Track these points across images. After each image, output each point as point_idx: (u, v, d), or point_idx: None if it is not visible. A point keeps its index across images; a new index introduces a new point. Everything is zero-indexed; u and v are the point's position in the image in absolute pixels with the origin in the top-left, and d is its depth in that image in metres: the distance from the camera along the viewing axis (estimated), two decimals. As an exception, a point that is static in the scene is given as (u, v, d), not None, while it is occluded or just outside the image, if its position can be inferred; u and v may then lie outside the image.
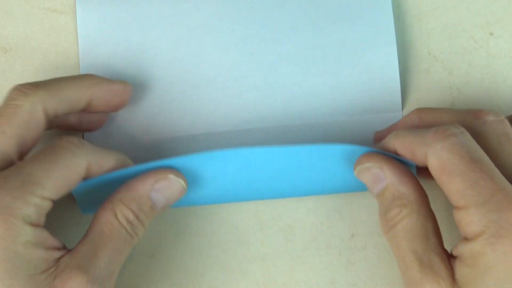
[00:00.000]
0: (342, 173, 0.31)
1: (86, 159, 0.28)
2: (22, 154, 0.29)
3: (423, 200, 0.28)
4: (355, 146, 0.30)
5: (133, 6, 0.34)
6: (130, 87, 0.33)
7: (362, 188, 0.31)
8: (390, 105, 0.34)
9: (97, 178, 0.29)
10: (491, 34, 0.36)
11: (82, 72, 0.34)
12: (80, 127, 0.33)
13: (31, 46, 0.35)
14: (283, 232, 0.34)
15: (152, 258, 0.33)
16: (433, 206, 0.28)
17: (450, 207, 0.27)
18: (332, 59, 0.35)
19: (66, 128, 0.33)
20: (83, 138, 0.34)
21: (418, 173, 0.31)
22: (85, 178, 0.29)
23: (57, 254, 0.27)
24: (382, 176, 0.29)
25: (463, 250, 0.26)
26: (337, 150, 0.30)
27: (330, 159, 0.31)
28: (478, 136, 0.29)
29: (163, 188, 0.30)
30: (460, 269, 0.26)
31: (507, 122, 0.30)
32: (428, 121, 0.31)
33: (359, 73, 0.34)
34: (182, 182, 0.30)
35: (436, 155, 0.27)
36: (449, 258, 0.27)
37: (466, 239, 0.26)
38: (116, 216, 0.28)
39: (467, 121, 0.30)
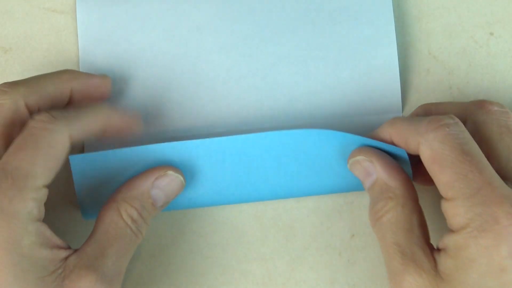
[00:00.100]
0: (338, 167, 0.32)
1: (66, 131, 0.27)
2: None
3: (410, 195, 0.29)
4: (349, 135, 0.31)
5: (133, 6, 0.34)
6: (109, 80, 0.32)
7: (359, 187, 0.31)
8: (390, 106, 0.34)
9: (95, 154, 0.30)
10: (491, 34, 0.36)
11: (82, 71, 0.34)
12: None
13: (31, 46, 0.35)
14: (283, 232, 0.34)
15: (152, 258, 0.33)
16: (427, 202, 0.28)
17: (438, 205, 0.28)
18: (332, 60, 0.35)
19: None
20: (83, 143, 0.34)
21: (414, 179, 0.32)
22: (73, 146, 0.29)
23: (63, 253, 0.27)
24: (373, 170, 0.30)
25: (447, 242, 0.26)
26: (332, 138, 0.31)
27: (326, 147, 0.31)
28: (480, 125, 0.29)
29: (163, 184, 0.30)
30: (444, 261, 0.26)
31: (510, 115, 0.30)
32: (433, 114, 0.31)
33: (359, 74, 0.34)
34: (181, 177, 0.31)
35: (428, 144, 0.27)
36: (433, 251, 0.27)
37: (451, 231, 0.26)
38: (121, 215, 0.28)
39: (471, 111, 0.30)
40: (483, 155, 0.26)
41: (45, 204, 0.27)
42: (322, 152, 0.32)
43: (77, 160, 0.30)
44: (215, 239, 0.34)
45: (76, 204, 0.33)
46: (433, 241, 0.28)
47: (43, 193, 0.27)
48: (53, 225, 0.28)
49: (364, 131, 0.33)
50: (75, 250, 0.27)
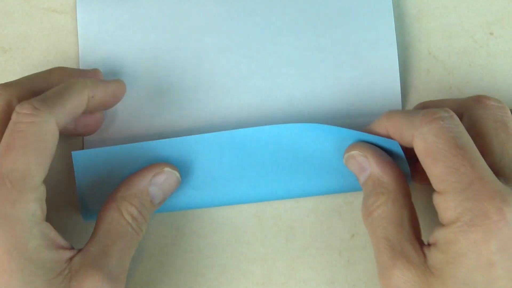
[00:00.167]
0: (335, 163, 0.32)
1: (52, 120, 0.27)
2: None
3: (402, 190, 0.29)
4: (345, 129, 0.31)
5: (133, 7, 0.34)
6: (99, 71, 0.32)
7: (356, 186, 0.31)
8: (391, 106, 0.34)
9: (97, 150, 0.30)
10: (491, 34, 0.36)
11: (82, 72, 0.34)
12: (76, 132, 0.32)
13: (31, 46, 0.35)
14: (283, 232, 0.34)
15: (152, 258, 0.33)
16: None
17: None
18: (332, 61, 0.35)
19: (62, 135, 0.32)
20: (82, 143, 0.34)
21: (412, 178, 0.32)
22: (60, 131, 0.28)
23: (68, 254, 0.27)
24: (367, 165, 0.30)
25: (438, 236, 0.26)
26: (328, 132, 0.32)
27: (323, 142, 0.32)
28: (476, 120, 0.29)
29: (161, 181, 0.30)
30: (434, 255, 0.26)
31: (507, 110, 0.30)
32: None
33: (359, 75, 0.34)
34: (177, 173, 0.31)
35: (422, 137, 0.27)
36: (423, 246, 0.27)
37: (441, 225, 0.26)
38: (122, 214, 0.29)
39: (468, 106, 0.30)
40: (476, 149, 0.26)
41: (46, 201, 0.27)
42: (319, 147, 0.32)
43: (79, 156, 0.30)
44: (215, 239, 0.34)
45: (75, 205, 0.33)
46: (425, 239, 0.28)
47: (42, 190, 0.27)
48: (53, 226, 0.28)
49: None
50: (79, 250, 0.28)
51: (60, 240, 0.27)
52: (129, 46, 0.34)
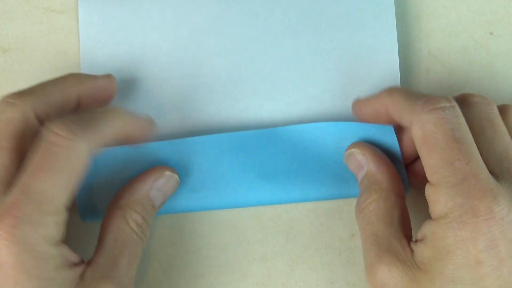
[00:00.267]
0: (336, 169, 0.32)
1: (86, 148, 0.26)
2: None
3: (395, 190, 0.29)
4: (341, 123, 0.32)
5: (135, 7, 0.34)
6: (115, 80, 0.32)
7: (354, 193, 0.31)
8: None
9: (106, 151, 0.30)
10: (491, 33, 0.36)
11: (82, 72, 0.34)
12: None
13: (31, 46, 0.35)
14: (283, 232, 0.34)
15: (152, 258, 0.33)
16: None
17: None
18: (332, 64, 0.34)
19: None
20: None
21: (410, 183, 0.32)
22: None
23: (80, 269, 0.27)
24: (365, 163, 0.30)
25: (426, 231, 0.26)
26: (326, 131, 0.32)
27: (321, 145, 0.32)
28: None
29: (161, 185, 0.31)
30: (421, 251, 0.26)
31: (494, 107, 0.29)
32: None
33: (360, 79, 0.34)
34: (176, 176, 0.31)
35: (421, 125, 0.27)
36: (410, 243, 0.27)
37: (430, 218, 0.26)
38: (127, 222, 0.29)
39: None
40: (473, 143, 0.26)
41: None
42: (318, 150, 0.32)
43: None
44: (215, 239, 0.34)
45: (73, 205, 0.33)
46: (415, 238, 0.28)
47: (64, 215, 0.26)
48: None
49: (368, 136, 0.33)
50: (89, 263, 0.28)
51: (74, 257, 0.27)
52: (130, 46, 0.34)
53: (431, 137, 0.26)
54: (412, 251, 0.27)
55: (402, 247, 0.27)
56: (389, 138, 0.31)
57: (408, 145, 0.31)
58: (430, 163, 0.26)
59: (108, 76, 0.32)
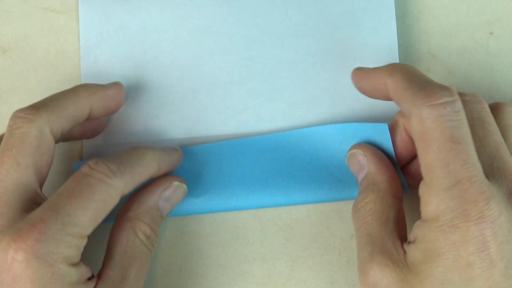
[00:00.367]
0: (335, 172, 0.33)
1: (120, 188, 0.27)
2: (41, 182, 0.28)
3: (392, 191, 0.29)
4: (339, 125, 0.32)
5: (135, 8, 0.34)
6: (123, 88, 0.32)
7: (354, 195, 0.32)
8: (391, 110, 0.34)
9: None
10: (491, 33, 0.36)
11: (82, 72, 0.34)
12: (84, 136, 0.33)
13: (31, 46, 0.35)
14: (283, 232, 0.34)
15: (153, 259, 0.33)
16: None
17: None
18: (332, 65, 0.34)
19: (71, 140, 0.32)
20: (82, 145, 0.34)
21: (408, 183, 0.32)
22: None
23: (92, 284, 0.27)
24: (365, 164, 0.30)
25: (417, 233, 0.26)
26: (325, 135, 0.32)
27: (320, 149, 0.33)
28: None
29: (169, 195, 0.31)
30: (413, 253, 0.26)
31: (485, 106, 0.29)
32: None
33: (360, 79, 0.34)
34: (184, 186, 0.31)
35: (420, 120, 0.26)
36: (404, 244, 0.27)
37: (421, 219, 0.26)
38: (136, 234, 0.29)
39: None
40: (471, 143, 0.26)
41: None
42: (317, 154, 0.33)
43: (80, 166, 0.30)
44: (215, 239, 0.34)
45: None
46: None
47: (84, 242, 0.27)
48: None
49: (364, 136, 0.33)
50: (99, 275, 0.28)
51: (88, 272, 0.27)
52: (130, 46, 0.34)
53: (429, 134, 0.26)
54: (405, 252, 0.27)
55: (396, 248, 0.27)
56: (385, 140, 0.31)
57: (402, 146, 0.31)
58: (426, 161, 0.26)
59: (117, 85, 0.32)
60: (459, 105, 0.26)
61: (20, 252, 0.24)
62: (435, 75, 0.36)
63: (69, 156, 0.34)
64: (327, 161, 0.33)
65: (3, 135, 0.28)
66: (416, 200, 0.32)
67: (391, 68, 0.29)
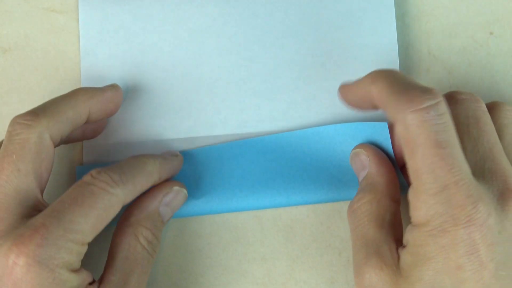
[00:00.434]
0: (335, 172, 0.33)
1: (122, 198, 0.28)
2: (41, 188, 0.28)
3: (390, 193, 0.29)
4: (339, 125, 0.32)
5: (135, 7, 0.34)
6: (120, 90, 0.33)
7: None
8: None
9: (101, 165, 0.30)
10: (491, 33, 0.36)
11: (82, 72, 0.34)
12: (84, 137, 0.33)
13: (31, 46, 0.35)
14: (283, 232, 0.34)
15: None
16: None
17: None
18: (333, 65, 0.34)
19: (71, 142, 0.32)
20: (82, 146, 0.34)
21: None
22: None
23: None
24: (367, 164, 0.31)
25: (408, 238, 0.26)
26: (325, 136, 0.33)
27: (320, 149, 0.33)
28: None
29: (170, 200, 0.31)
30: (404, 257, 0.27)
31: (481, 104, 0.29)
32: None
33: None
34: (184, 191, 0.32)
35: (404, 126, 0.26)
36: (399, 248, 0.27)
37: (412, 224, 0.26)
38: (138, 240, 0.29)
39: None
40: (457, 145, 0.26)
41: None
42: (317, 154, 0.33)
43: (84, 171, 0.31)
44: (215, 239, 0.34)
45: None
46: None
47: (85, 249, 0.27)
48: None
49: (364, 136, 0.33)
50: (100, 281, 0.28)
51: (89, 277, 0.27)
52: (130, 46, 0.34)
53: (414, 140, 0.25)
54: (398, 256, 0.27)
55: (390, 251, 0.27)
56: (385, 139, 0.31)
57: (401, 146, 0.31)
58: (413, 167, 0.26)
59: (114, 87, 0.32)
60: (442, 107, 0.26)
61: (22, 256, 0.24)
62: (435, 75, 0.36)
63: (69, 155, 0.34)
64: (327, 161, 0.33)
65: (2, 141, 0.29)
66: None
67: (373, 76, 0.28)
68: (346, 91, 0.31)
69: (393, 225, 0.29)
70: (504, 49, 0.36)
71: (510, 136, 0.29)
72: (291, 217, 0.34)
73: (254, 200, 0.33)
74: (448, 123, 0.26)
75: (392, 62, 0.34)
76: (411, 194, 0.26)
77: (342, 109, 0.34)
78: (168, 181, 0.31)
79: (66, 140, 0.31)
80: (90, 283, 0.27)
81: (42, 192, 0.28)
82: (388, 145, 0.31)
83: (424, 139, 0.25)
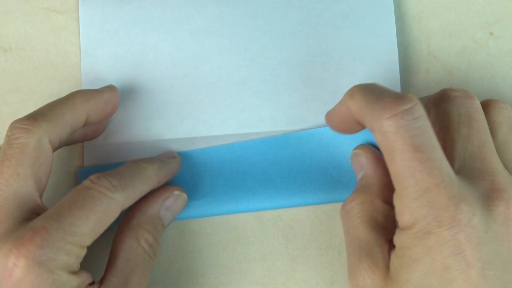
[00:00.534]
0: (334, 173, 0.33)
1: (121, 202, 0.28)
2: (40, 192, 0.28)
3: (383, 196, 0.29)
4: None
5: (135, 7, 0.34)
6: (118, 91, 0.33)
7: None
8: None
9: (102, 167, 0.31)
10: (491, 34, 0.36)
11: (83, 72, 0.34)
12: (85, 139, 0.33)
13: (31, 46, 0.35)
14: (283, 232, 0.34)
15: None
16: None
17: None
18: (333, 65, 0.34)
19: (71, 144, 0.32)
20: (82, 147, 0.34)
21: None
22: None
23: None
24: (365, 165, 0.31)
25: (396, 240, 0.27)
26: (325, 137, 0.33)
27: (320, 151, 0.33)
28: (441, 114, 0.29)
29: (170, 204, 0.31)
30: (393, 259, 0.27)
31: (475, 102, 0.29)
32: None
33: (360, 79, 0.34)
34: (185, 195, 0.32)
35: (381, 134, 0.26)
36: (391, 250, 0.27)
37: (399, 228, 0.26)
38: (139, 242, 0.29)
39: (435, 99, 0.30)
40: (437, 148, 0.25)
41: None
42: (316, 155, 0.33)
43: (85, 173, 0.31)
44: (215, 239, 0.34)
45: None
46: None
47: (84, 252, 0.27)
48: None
49: (364, 137, 0.33)
50: (101, 282, 0.28)
51: (88, 278, 0.27)
52: (130, 46, 0.34)
53: (391, 145, 0.25)
54: (389, 258, 0.27)
55: (382, 253, 0.27)
56: None
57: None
58: (393, 172, 0.26)
59: (111, 88, 0.32)
60: (418, 110, 0.25)
61: (22, 258, 0.25)
62: (435, 75, 0.36)
63: (69, 155, 0.34)
64: (327, 162, 0.33)
65: (1, 145, 0.29)
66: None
67: (350, 92, 0.28)
68: (330, 116, 0.31)
69: (385, 227, 0.28)
70: (504, 49, 0.36)
71: (503, 135, 0.29)
72: (291, 217, 0.34)
73: (254, 201, 0.33)
74: (425, 126, 0.25)
75: (392, 62, 0.34)
76: (395, 199, 0.26)
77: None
78: (168, 185, 0.32)
79: (67, 142, 0.31)
80: (90, 284, 0.27)
81: (41, 196, 0.28)
82: None
83: (402, 144, 0.25)
